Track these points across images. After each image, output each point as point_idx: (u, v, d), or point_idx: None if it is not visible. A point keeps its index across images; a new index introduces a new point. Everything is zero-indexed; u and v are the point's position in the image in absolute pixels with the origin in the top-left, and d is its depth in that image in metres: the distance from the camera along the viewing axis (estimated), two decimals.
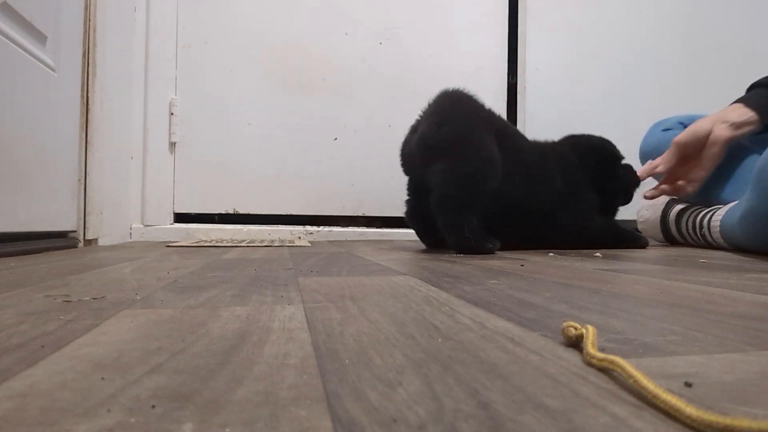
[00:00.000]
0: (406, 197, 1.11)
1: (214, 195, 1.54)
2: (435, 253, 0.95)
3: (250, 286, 0.48)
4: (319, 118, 1.59)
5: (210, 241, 1.26)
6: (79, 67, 1.11)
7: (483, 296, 0.43)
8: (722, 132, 1.05)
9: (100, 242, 1.20)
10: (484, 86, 1.63)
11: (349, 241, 1.50)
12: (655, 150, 1.27)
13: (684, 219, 1.20)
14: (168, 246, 1.14)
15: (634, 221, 1.35)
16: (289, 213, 1.57)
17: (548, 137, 1.16)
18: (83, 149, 1.13)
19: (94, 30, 1.15)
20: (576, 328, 0.26)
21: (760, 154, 0.93)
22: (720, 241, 1.06)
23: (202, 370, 0.22)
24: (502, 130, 1.03)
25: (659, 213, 1.29)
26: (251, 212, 1.55)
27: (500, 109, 1.67)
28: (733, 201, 1.05)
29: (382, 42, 1.62)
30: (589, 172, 1.09)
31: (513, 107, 1.70)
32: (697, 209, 1.17)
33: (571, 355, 0.25)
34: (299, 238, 1.51)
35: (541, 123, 1.67)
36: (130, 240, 1.43)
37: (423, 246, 1.13)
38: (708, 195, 1.16)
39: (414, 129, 1.04)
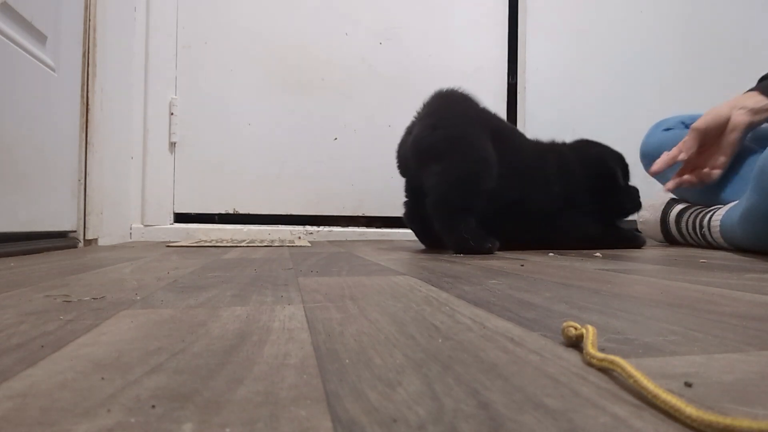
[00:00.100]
0: (404, 199, 1.11)
1: (214, 195, 1.54)
2: (435, 253, 0.95)
3: (250, 286, 0.48)
4: (319, 118, 1.59)
5: (210, 241, 1.26)
6: (79, 67, 1.11)
7: (483, 296, 0.43)
8: (741, 117, 1.03)
9: (100, 242, 1.20)
10: (484, 86, 1.63)
11: (349, 241, 1.50)
12: (656, 150, 1.26)
13: (684, 219, 1.20)
14: (168, 246, 1.14)
15: (634, 221, 1.35)
16: (289, 213, 1.57)
17: (548, 137, 1.15)
18: (83, 149, 1.13)
19: (94, 30, 1.15)
20: (576, 328, 0.26)
21: (760, 153, 0.93)
22: (720, 241, 1.06)
23: (202, 370, 0.22)
24: (498, 130, 1.02)
25: (659, 213, 1.29)
26: (251, 212, 1.55)
27: (500, 109, 1.67)
28: (734, 201, 1.05)
29: (382, 42, 1.62)
30: (590, 180, 1.08)
31: (513, 107, 1.70)
32: (697, 209, 1.17)
33: (571, 355, 0.25)
34: (299, 238, 1.51)
35: (541, 123, 1.67)
36: (130, 240, 1.43)
37: (423, 246, 1.13)
38: (708, 195, 1.16)
39: (409, 130, 1.04)
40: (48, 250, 0.94)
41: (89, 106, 1.14)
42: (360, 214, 1.61)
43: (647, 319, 0.33)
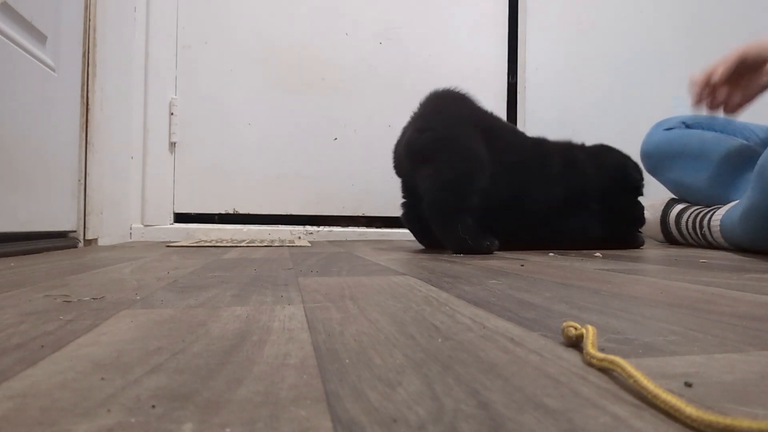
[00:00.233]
0: (402, 199, 1.11)
1: (214, 195, 1.54)
2: (435, 253, 0.95)
3: (250, 286, 0.48)
4: (319, 118, 1.59)
5: (210, 241, 1.26)
6: (79, 67, 1.11)
7: (483, 296, 0.43)
8: None
9: (100, 242, 1.20)
10: (484, 86, 1.63)
11: (349, 241, 1.50)
12: (656, 149, 1.27)
13: (684, 219, 1.20)
14: (168, 246, 1.14)
15: None
16: (289, 213, 1.57)
17: (555, 138, 1.14)
18: (83, 149, 1.13)
19: (94, 30, 1.15)
20: (576, 328, 0.26)
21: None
22: (720, 240, 1.06)
23: (202, 370, 0.22)
24: (492, 129, 1.02)
25: (659, 213, 1.29)
26: (251, 212, 1.55)
27: (500, 109, 1.67)
28: (734, 201, 1.05)
29: (382, 42, 1.62)
30: (605, 185, 1.06)
31: (513, 107, 1.70)
32: (697, 209, 1.17)
33: (571, 355, 0.25)
34: (299, 238, 1.51)
35: (541, 123, 1.67)
36: (130, 240, 1.43)
37: (422, 246, 1.13)
38: (709, 195, 1.16)
39: (405, 130, 1.04)
40: (48, 250, 0.94)
41: (89, 106, 1.14)
42: (360, 214, 1.61)
43: (647, 319, 0.33)
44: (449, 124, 0.97)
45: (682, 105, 1.27)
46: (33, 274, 0.57)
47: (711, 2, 1.85)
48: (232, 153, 1.54)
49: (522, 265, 0.70)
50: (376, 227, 1.61)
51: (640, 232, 1.18)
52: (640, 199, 1.15)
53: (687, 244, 1.21)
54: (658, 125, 1.31)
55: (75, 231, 1.11)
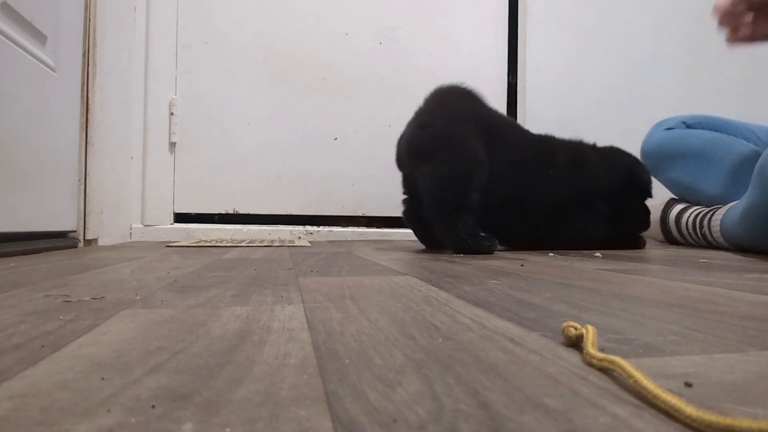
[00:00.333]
0: (403, 196, 1.11)
1: (214, 195, 1.54)
2: (435, 253, 0.95)
3: (250, 286, 0.48)
4: (319, 118, 1.59)
5: (210, 241, 1.26)
6: (79, 67, 1.11)
7: (483, 296, 0.43)
8: None
9: (100, 242, 1.20)
10: (484, 86, 1.61)
11: (349, 241, 1.50)
12: (656, 149, 1.27)
13: (684, 219, 1.20)
14: (168, 246, 1.14)
15: None
16: (289, 213, 1.57)
17: (560, 136, 1.14)
18: (83, 149, 1.13)
19: (94, 30, 1.15)
20: (576, 328, 0.26)
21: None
22: (720, 240, 1.06)
23: (202, 370, 0.22)
24: (494, 126, 1.02)
25: (659, 213, 1.29)
26: (251, 212, 1.55)
27: (500, 109, 1.67)
28: (734, 201, 1.05)
29: (382, 42, 1.62)
30: (614, 187, 1.06)
31: (513, 107, 1.70)
32: (697, 209, 1.17)
33: (571, 355, 0.25)
34: (299, 238, 1.51)
35: (541, 123, 1.67)
36: (130, 240, 1.43)
37: (423, 246, 1.13)
38: (709, 195, 1.16)
39: (409, 125, 1.04)
40: (48, 250, 0.94)
41: (89, 106, 1.14)
42: (360, 214, 1.61)
43: (647, 319, 0.33)
44: (450, 122, 0.97)
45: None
46: (33, 274, 0.57)
47: (711, 2, 1.85)
48: (232, 153, 1.54)
49: (522, 265, 0.70)
50: (376, 227, 1.61)
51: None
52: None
53: (687, 244, 1.21)
54: (658, 125, 1.31)
55: (75, 231, 1.11)
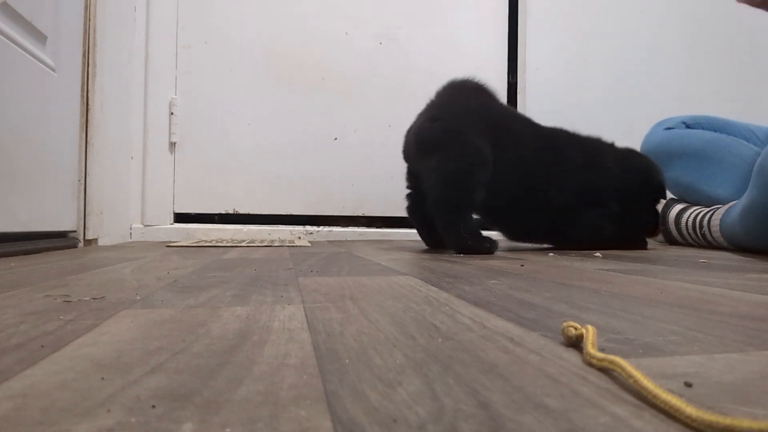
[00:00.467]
0: (407, 190, 1.11)
1: (214, 195, 1.54)
2: (435, 253, 0.95)
3: (250, 286, 0.48)
4: (319, 118, 1.59)
5: (210, 241, 1.26)
6: (79, 67, 1.11)
7: (483, 296, 0.43)
8: None
9: (100, 242, 1.20)
10: None
11: (349, 241, 1.50)
12: (656, 149, 1.27)
13: (683, 219, 1.20)
14: (168, 246, 1.14)
15: None
16: (289, 213, 1.57)
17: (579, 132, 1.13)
18: (83, 149, 1.13)
19: (94, 30, 1.15)
20: (576, 328, 0.26)
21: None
22: (720, 240, 1.06)
23: (202, 370, 0.22)
24: (504, 122, 1.02)
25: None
26: (251, 212, 1.55)
27: None
28: (733, 201, 1.05)
29: (382, 42, 1.62)
30: (625, 187, 1.05)
31: (513, 106, 1.70)
32: (696, 209, 1.18)
33: (571, 355, 0.25)
34: (299, 238, 1.51)
35: (541, 122, 1.67)
36: (130, 240, 1.43)
37: (423, 246, 1.12)
38: (708, 195, 1.16)
39: (419, 118, 1.05)
40: (48, 250, 0.94)
41: (89, 106, 1.14)
42: (360, 214, 1.61)
43: (647, 319, 0.33)
44: (460, 117, 0.98)
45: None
46: (33, 274, 0.57)
47: (711, 2, 1.85)
48: (232, 153, 1.54)
49: (522, 265, 0.70)
50: (376, 227, 1.61)
51: None
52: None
53: (687, 244, 1.21)
54: (658, 125, 1.31)
55: (75, 231, 1.11)
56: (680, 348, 0.26)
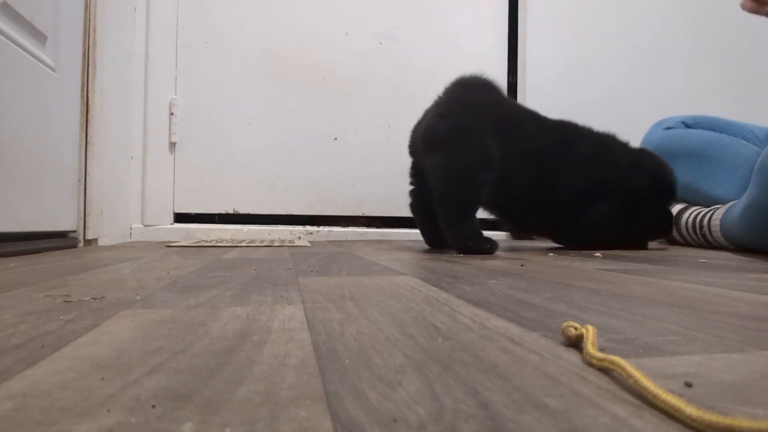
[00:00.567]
0: (410, 186, 1.11)
1: (214, 195, 1.54)
2: (435, 254, 0.95)
3: (250, 286, 0.48)
4: (319, 118, 1.59)
5: (210, 241, 1.26)
6: (79, 67, 1.11)
7: (483, 296, 0.43)
8: None
9: (100, 242, 1.20)
10: None
11: (350, 241, 1.50)
12: (656, 149, 1.27)
13: (683, 219, 1.20)
14: (168, 246, 1.14)
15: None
16: (289, 213, 1.57)
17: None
18: (83, 149, 1.13)
19: (94, 30, 1.15)
20: (576, 328, 0.26)
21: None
22: (720, 239, 1.06)
23: (202, 370, 0.22)
24: (512, 119, 1.03)
25: None
26: (251, 212, 1.55)
27: None
28: (733, 201, 1.05)
29: (382, 42, 1.62)
30: (634, 184, 1.05)
31: None
32: (696, 209, 1.18)
33: (571, 355, 0.25)
34: (299, 238, 1.51)
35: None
36: (130, 240, 1.43)
37: (423, 246, 1.12)
38: (708, 195, 1.16)
39: (426, 114, 1.06)
40: (48, 250, 0.94)
41: (89, 106, 1.14)
42: (360, 214, 1.61)
43: (647, 319, 0.33)
44: (470, 114, 0.98)
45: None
46: (33, 274, 0.57)
47: (711, 2, 1.85)
48: (232, 153, 1.54)
49: (522, 265, 0.70)
50: (377, 227, 1.61)
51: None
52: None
53: (687, 244, 1.21)
54: (657, 124, 1.31)
55: (75, 231, 1.11)
56: (680, 348, 0.26)
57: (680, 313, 0.35)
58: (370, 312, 0.36)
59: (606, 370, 0.22)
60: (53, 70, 1.00)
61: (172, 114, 1.50)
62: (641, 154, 1.11)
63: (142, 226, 1.47)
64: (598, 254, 0.92)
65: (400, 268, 0.67)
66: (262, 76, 1.56)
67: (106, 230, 1.23)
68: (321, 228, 1.57)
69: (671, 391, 0.18)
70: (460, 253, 0.92)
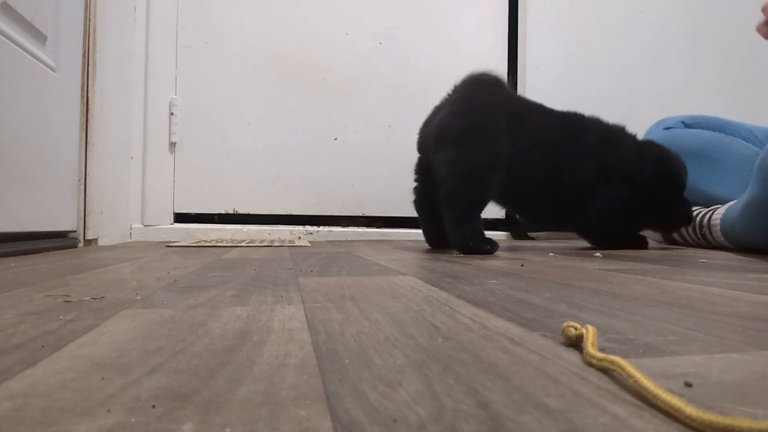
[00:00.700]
0: (414, 183, 1.11)
1: (214, 195, 1.54)
2: (435, 254, 0.95)
3: (250, 286, 0.48)
4: (319, 118, 1.59)
5: (210, 241, 1.26)
6: (79, 67, 1.11)
7: (483, 296, 0.43)
8: None
9: (100, 242, 1.20)
10: None
11: (350, 241, 1.50)
12: None
13: None
14: (168, 246, 1.14)
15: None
16: (289, 213, 1.57)
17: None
18: (83, 149, 1.13)
19: (94, 30, 1.15)
20: (576, 328, 0.26)
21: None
22: (720, 239, 1.06)
23: (202, 370, 0.22)
24: (521, 114, 1.03)
25: None
26: (251, 212, 1.55)
27: None
28: (733, 200, 1.05)
29: (382, 42, 1.62)
30: (642, 175, 1.04)
31: None
32: (696, 209, 1.17)
33: (571, 355, 0.25)
34: (299, 238, 1.51)
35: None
36: (130, 240, 1.43)
37: (423, 246, 1.12)
38: (708, 195, 1.16)
39: (436, 111, 1.06)
40: (48, 250, 0.94)
41: (89, 106, 1.14)
42: (360, 214, 1.61)
43: (647, 319, 0.33)
44: (484, 113, 0.99)
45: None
46: (33, 274, 0.57)
47: (711, 2, 1.85)
48: (232, 153, 1.54)
49: (522, 265, 0.70)
50: (377, 227, 1.61)
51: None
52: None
53: (687, 244, 1.21)
54: (657, 124, 1.31)
55: (75, 231, 1.11)
56: (680, 348, 0.26)
57: (680, 313, 0.35)
58: (370, 312, 0.36)
59: (606, 370, 0.22)
60: (53, 70, 1.00)
61: (172, 114, 1.50)
62: (648, 144, 1.12)
63: (142, 226, 1.47)
64: (598, 254, 0.92)
65: (400, 268, 0.67)
66: (262, 76, 1.56)
67: (106, 230, 1.23)
68: (321, 228, 1.57)
69: (671, 391, 0.18)
70: (460, 253, 0.92)
